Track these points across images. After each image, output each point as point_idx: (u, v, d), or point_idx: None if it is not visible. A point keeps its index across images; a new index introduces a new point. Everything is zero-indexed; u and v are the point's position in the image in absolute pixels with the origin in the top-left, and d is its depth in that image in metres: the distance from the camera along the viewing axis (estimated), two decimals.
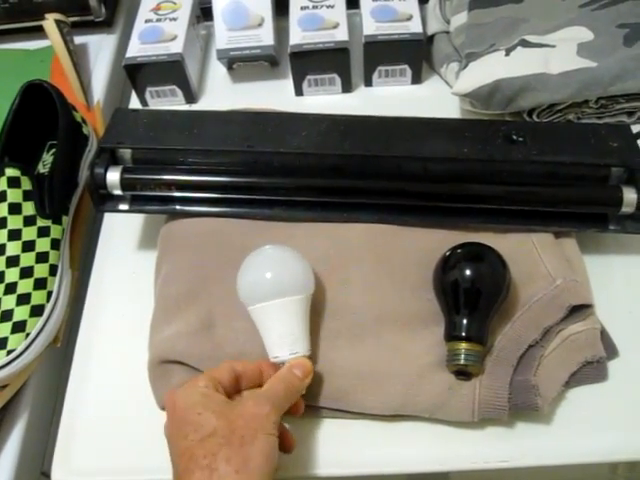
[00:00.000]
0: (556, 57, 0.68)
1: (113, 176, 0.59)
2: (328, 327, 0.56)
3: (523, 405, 0.51)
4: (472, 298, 0.52)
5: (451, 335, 0.52)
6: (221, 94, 0.80)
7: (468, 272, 0.53)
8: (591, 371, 0.54)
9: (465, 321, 0.52)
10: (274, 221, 0.61)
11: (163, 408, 0.54)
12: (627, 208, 0.57)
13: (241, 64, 0.80)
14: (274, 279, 0.53)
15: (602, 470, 0.55)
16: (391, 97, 0.78)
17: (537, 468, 0.52)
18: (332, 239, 0.60)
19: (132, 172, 0.60)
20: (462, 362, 0.51)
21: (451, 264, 0.54)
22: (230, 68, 0.81)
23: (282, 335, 0.52)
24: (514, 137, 0.60)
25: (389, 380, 0.53)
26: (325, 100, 0.78)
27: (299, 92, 0.78)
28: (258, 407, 0.45)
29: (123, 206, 0.62)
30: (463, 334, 0.51)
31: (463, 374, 0.52)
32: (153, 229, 0.65)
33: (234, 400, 0.47)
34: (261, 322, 0.53)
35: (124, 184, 0.59)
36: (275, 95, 0.79)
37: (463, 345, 0.51)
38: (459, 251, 0.54)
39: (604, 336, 0.55)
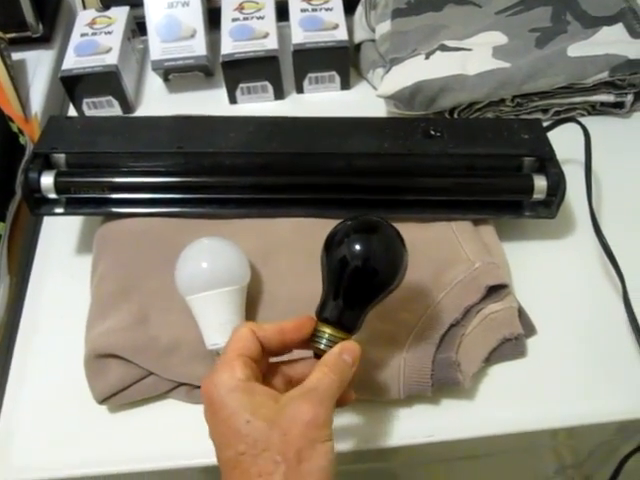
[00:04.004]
0: (473, 59, 0.72)
1: (47, 180, 0.60)
2: (262, 316, 0.58)
3: (445, 381, 0.53)
4: (356, 284, 0.46)
5: (321, 315, 0.47)
6: (158, 105, 0.82)
7: (356, 252, 0.45)
8: (510, 348, 0.57)
9: (338, 304, 0.46)
10: (206, 219, 0.63)
11: (100, 402, 0.55)
12: (538, 195, 0.61)
13: (176, 75, 0.82)
14: (211, 270, 0.55)
15: (544, 438, 0.58)
16: (322, 103, 0.81)
17: (462, 441, 0.54)
18: (262, 234, 0.62)
19: (66, 175, 0.61)
20: (322, 347, 0.46)
21: (337, 240, 0.47)
22: (166, 79, 0.83)
23: (221, 323, 0.54)
24: (432, 132, 0.63)
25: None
26: (258, 107, 0.81)
27: (233, 100, 0.80)
28: (313, 411, 0.41)
29: (58, 209, 0.63)
30: (331, 318, 0.47)
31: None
32: (91, 234, 0.66)
33: (278, 392, 0.43)
34: (199, 312, 0.55)
35: (58, 187, 0.61)
36: (210, 104, 0.81)
37: (329, 330, 0.46)
38: (348, 223, 0.47)
39: (522, 315, 0.58)
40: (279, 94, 0.80)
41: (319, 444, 0.40)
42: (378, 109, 0.77)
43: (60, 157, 0.63)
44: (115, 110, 0.80)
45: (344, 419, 0.54)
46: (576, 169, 0.66)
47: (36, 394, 0.58)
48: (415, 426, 0.54)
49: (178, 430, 0.55)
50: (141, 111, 0.82)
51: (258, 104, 0.81)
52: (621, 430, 0.56)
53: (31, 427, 0.56)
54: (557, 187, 0.60)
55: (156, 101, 0.83)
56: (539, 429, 0.54)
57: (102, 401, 0.55)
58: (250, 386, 0.42)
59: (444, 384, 0.54)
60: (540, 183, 0.61)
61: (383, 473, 0.65)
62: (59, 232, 0.69)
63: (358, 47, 0.84)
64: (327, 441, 0.41)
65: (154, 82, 0.85)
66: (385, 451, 0.54)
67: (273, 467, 0.39)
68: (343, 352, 0.45)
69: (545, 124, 0.67)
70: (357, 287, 0.46)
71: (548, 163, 0.61)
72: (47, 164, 0.62)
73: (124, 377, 0.55)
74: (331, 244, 0.47)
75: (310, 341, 0.47)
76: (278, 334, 0.46)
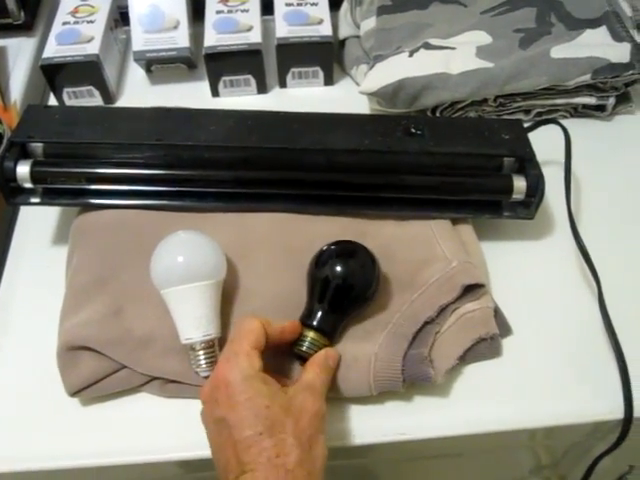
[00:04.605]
0: (456, 58, 0.72)
1: (23, 169, 0.60)
2: (237, 312, 0.58)
3: (416, 376, 0.53)
4: (337, 297, 0.54)
5: (305, 321, 0.54)
6: (139, 96, 0.82)
7: (337, 272, 0.54)
8: (485, 347, 0.57)
9: (321, 313, 0.54)
10: (184, 212, 0.63)
11: (72, 395, 0.55)
12: (517, 195, 0.61)
13: (159, 66, 0.81)
14: (187, 263, 0.54)
15: (520, 438, 0.58)
16: (305, 98, 0.80)
17: (435, 439, 0.54)
18: (240, 228, 0.62)
19: (42, 165, 0.61)
20: (304, 349, 0.53)
21: (323, 260, 0.55)
22: (148, 71, 0.83)
23: (196, 317, 0.54)
24: (413, 130, 0.63)
25: (292, 361, 0.55)
26: (241, 101, 0.80)
27: (215, 93, 0.80)
28: (317, 404, 0.47)
29: (34, 199, 0.62)
30: (315, 324, 0.54)
31: (303, 359, 0.53)
32: (68, 225, 0.65)
33: (284, 385, 0.49)
34: (174, 305, 0.54)
35: (34, 177, 0.60)
36: (192, 96, 0.81)
37: (311, 334, 0.53)
38: (332, 248, 0.56)
39: (498, 315, 0.58)
40: (262, 88, 0.80)
41: (321, 434, 0.46)
42: (361, 105, 0.77)
43: (37, 146, 0.62)
44: (96, 100, 0.79)
45: None
46: (556, 170, 0.66)
47: (7, 385, 0.57)
48: (387, 424, 0.54)
49: (151, 424, 0.55)
50: (122, 102, 0.81)
51: (241, 98, 0.80)
52: (595, 430, 0.56)
53: (2, 419, 0.56)
54: (536, 188, 0.60)
55: (138, 92, 0.82)
56: (512, 429, 0.54)
57: (74, 394, 0.55)
58: (265, 376, 0.47)
59: (415, 379, 0.53)
60: (519, 184, 0.61)
61: (358, 469, 0.65)
62: (35, 222, 0.68)
63: (342, 43, 0.84)
64: (324, 433, 0.47)
65: (136, 73, 0.84)
66: (358, 448, 0.54)
67: (289, 449, 0.43)
68: (328, 358, 0.52)
69: (526, 125, 0.67)
70: (338, 299, 0.54)
71: (528, 164, 0.61)
72: (24, 153, 0.62)
73: (97, 370, 0.55)
74: (317, 264, 0.55)
75: (293, 344, 0.53)
76: (280, 333, 0.52)
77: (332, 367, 0.52)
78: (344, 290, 0.54)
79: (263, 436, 0.43)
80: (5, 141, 0.71)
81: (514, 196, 0.61)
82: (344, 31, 0.83)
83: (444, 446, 0.57)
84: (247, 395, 0.45)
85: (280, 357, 0.54)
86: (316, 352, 0.53)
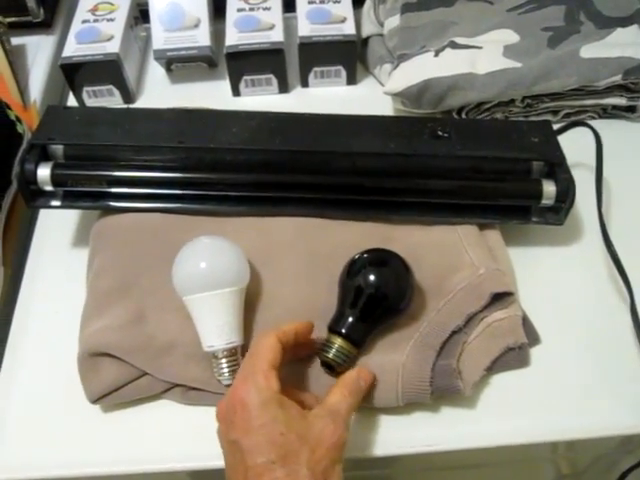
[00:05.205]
0: (483, 58, 0.70)
1: (43, 172, 0.59)
2: (260, 319, 0.57)
3: (445, 388, 0.52)
4: (369, 307, 0.53)
5: (334, 328, 0.53)
6: (159, 95, 0.81)
7: (370, 281, 0.53)
8: (513, 357, 0.55)
9: (351, 321, 0.53)
10: (206, 216, 0.62)
11: (93, 401, 0.54)
12: (547, 200, 0.59)
13: (179, 65, 0.80)
14: (210, 270, 0.53)
15: (544, 450, 0.57)
16: (327, 97, 0.79)
17: (462, 451, 0.53)
18: (263, 233, 0.61)
19: (63, 168, 0.60)
20: (331, 356, 0.52)
21: (356, 268, 0.54)
22: (168, 69, 0.82)
23: (218, 325, 0.53)
24: (439, 133, 0.61)
25: (316, 370, 0.54)
26: (262, 100, 0.79)
27: (236, 93, 0.79)
28: (337, 432, 0.45)
29: (55, 202, 0.61)
30: (343, 331, 0.52)
31: (329, 367, 0.53)
32: (88, 227, 0.64)
33: (303, 407, 0.47)
34: (197, 313, 0.54)
35: (55, 180, 0.59)
36: (213, 96, 0.80)
37: (339, 341, 0.52)
38: (365, 256, 0.55)
39: (526, 323, 0.57)
40: (283, 87, 0.79)
41: (337, 465, 0.44)
42: (385, 105, 0.76)
43: (58, 148, 0.61)
44: (116, 99, 0.78)
45: None
46: (585, 174, 0.64)
47: (27, 391, 0.57)
48: (414, 435, 0.53)
49: (172, 432, 0.54)
50: (142, 100, 0.80)
51: (262, 97, 0.79)
52: (623, 444, 0.55)
53: (22, 425, 0.55)
54: (567, 193, 0.58)
55: (158, 91, 0.82)
56: (540, 441, 0.53)
57: (95, 401, 0.54)
58: (283, 399, 0.45)
59: (444, 392, 0.52)
60: (549, 188, 0.59)
61: (379, 479, 0.64)
62: (55, 224, 0.67)
63: (365, 41, 0.82)
64: (341, 462, 0.44)
65: (156, 71, 0.83)
66: (383, 459, 0.53)
67: None
68: (360, 378, 0.50)
69: (555, 126, 0.65)
70: (370, 309, 0.53)
71: (558, 168, 0.59)
72: (44, 155, 0.61)
73: (118, 377, 0.54)
74: (349, 272, 0.54)
75: (320, 350, 0.53)
76: (294, 338, 0.50)
77: (363, 390, 0.50)
78: (377, 300, 0.53)
79: (275, 465, 0.42)
80: (25, 141, 0.70)
81: (543, 201, 0.59)
82: (367, 29, 0.81)
83: (467, 457, 0.56)
84: (262, 420, 0.43)
85: (300, 362, 0.54)
86: (343, 360, 0.52)
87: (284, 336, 0.49)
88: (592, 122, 0.67)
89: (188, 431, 0.54)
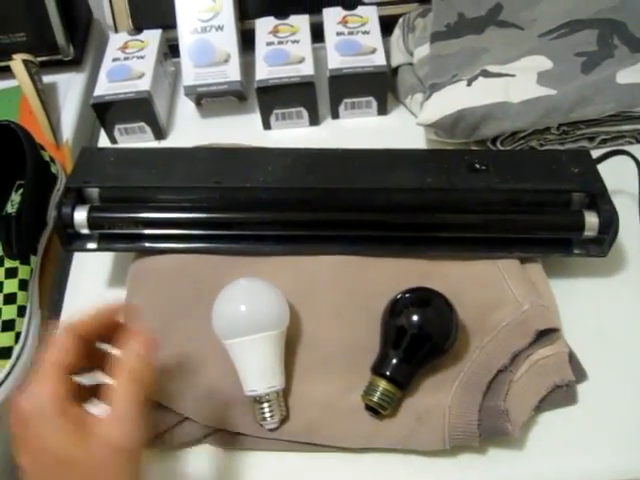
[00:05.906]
0: (517, 86, 0.69)
1: (80, 215, 0.59)
2: (299, 360, 0.56)
3: (493, 431, 0.51)
4: (413, 347, 0.52)
5: (377, 370, 0.53)
6: (190, 130, 0.81)
7: (414, 321, 0.52)
8: (561, 395, 0.54)
9: (395, 362, 0.52)
10: (242, 255, 0.61)
11: None
12: (589, 232, 0.58)
13: (209, 100, 0.80)
14: (251, 313, 0.53)
15: None
16: (358, 129, 0.79)
17: None
18: (300, 272, 0.60)
19: (99, 211, 0.60)
20: (375, 400, 0.51)
21: (399, 309, 0.54)
22: (198, 104, 0.82)
23: (260, 369, 0.52)
24: (477, 166, 0.61)
25: (359, 412, 0.53)
26: (293, 133, 0.79)
27: (267, 126, 0.79)
28: (123, 437, 0.39)
29: (91, 245, 0.62)
30: (388, 373, 0.52)
31: (372, 410, 0.52)
32: (123, 268, 0.64)
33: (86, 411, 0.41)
34: (238, 356, 0.53)
35: (91, 223, 0.59)
36: (244, 129, 0.79)
37: (383, 384, 0.51)
38: (407, 296, 0.54)
39: (573, 360, 0.55)
40: (314, 120, 0.78)
41: (125, 475, 0.39)
42: (416, 135, 0.75)
43: (93, 191, 0.61)
44: (147, 136, 0.79)
45: (388, 467, 0.52)
46: (627, 201, 0.63)
47: None
48: (461, 478, 0.52)
49: (213, 476, 0.53)
50: (173, 136, 0.80)
51: (293, 130, 0.79)
52: None
53: None
54: (609, 225, 0.57)
55: (188, 126, 0.82)
56: None
57: None
58: (64, 407, 0.39)
59: (492, 435, 0.51)
60: (591, 220, 0.58)
61: None
62: (90, 266, 0.67)
63: (395, 71, 0.81)
64: (134, 472, 0.40)
65: (186, 106, 0.83)
66: None
67: None
68: (136, 352, 0.44)
69: (594, 153, 0.64)
70: (414, 350, 0.52)
71: (599, 199, 0.58)
72: (80, 198, 0.61)
73: (160, 423, 0.53)
74: (392, 313, 0.54)
75: (364, 393, 0.52)
76: (94, 320, 0.44)
77: (146, 360, 0.43)
78: (421, 340, 0.52)
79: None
80: (59, 182, 0.70)
81: (586, 233, 0.58)
82: (396, 59, 0.81)
83: None
84: (34, 422, 0.39)
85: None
86: (388, 403, 0.51)
87: (80, 326, 0.43)
88: (630, 147, 0.66)
89: (231, 476, 0.53)
